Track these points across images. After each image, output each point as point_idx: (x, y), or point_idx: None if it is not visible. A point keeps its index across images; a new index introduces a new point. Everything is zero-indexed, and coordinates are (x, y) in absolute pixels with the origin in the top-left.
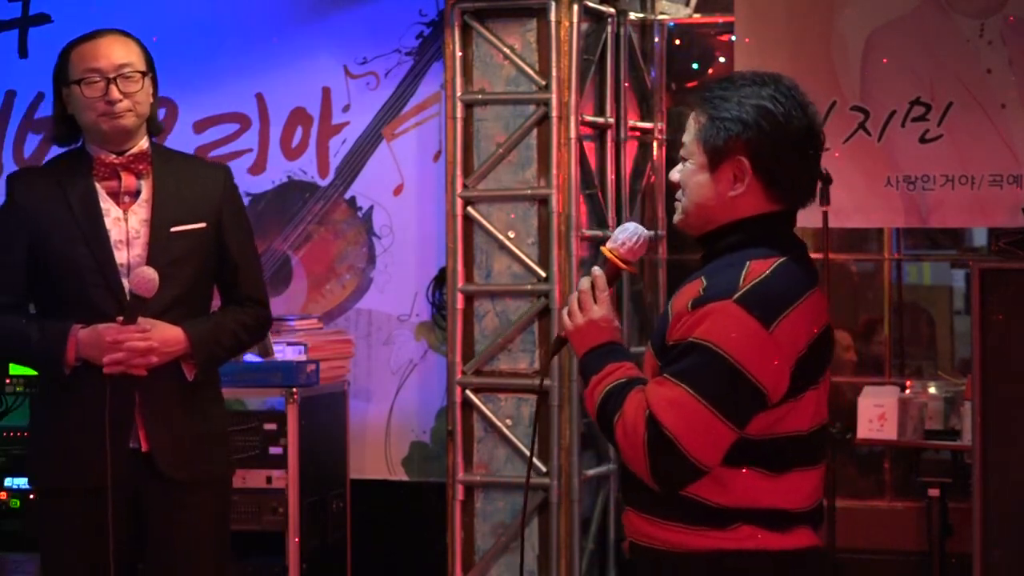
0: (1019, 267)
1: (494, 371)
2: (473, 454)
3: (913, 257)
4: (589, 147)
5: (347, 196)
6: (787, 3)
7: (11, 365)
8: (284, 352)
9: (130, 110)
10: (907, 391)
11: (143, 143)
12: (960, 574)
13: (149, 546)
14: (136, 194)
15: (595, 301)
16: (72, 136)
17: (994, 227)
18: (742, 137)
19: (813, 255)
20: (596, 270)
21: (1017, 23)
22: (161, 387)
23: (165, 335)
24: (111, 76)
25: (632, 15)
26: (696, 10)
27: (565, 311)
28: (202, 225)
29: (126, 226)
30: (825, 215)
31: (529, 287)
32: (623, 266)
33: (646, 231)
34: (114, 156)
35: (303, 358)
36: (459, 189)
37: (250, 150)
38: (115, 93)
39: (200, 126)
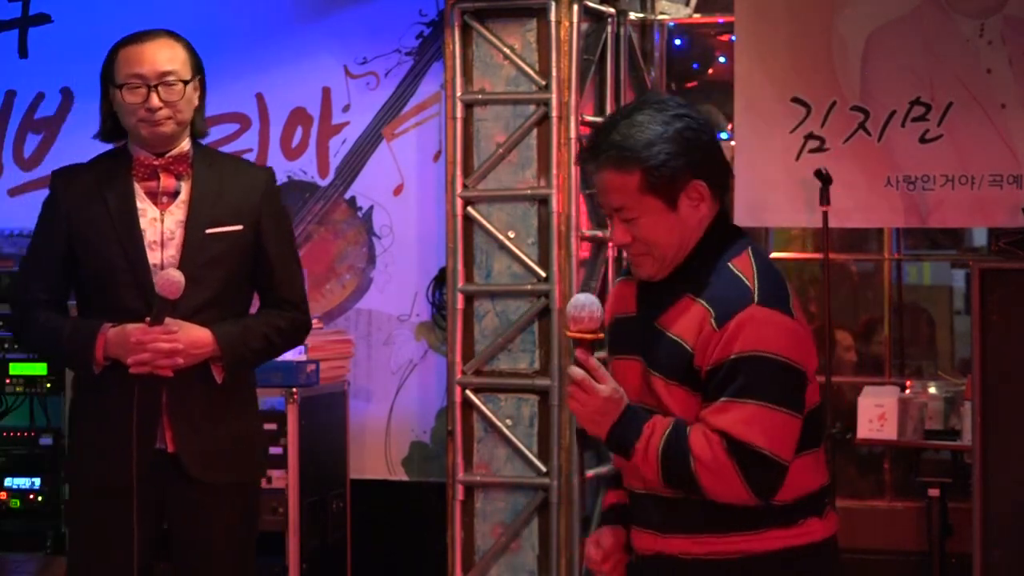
0: (1019, 267)
1: (494, 371)
2: (473, 454)
3: (913, 257)
4: None
5: (347, 196)
6: (787, 3)
7: (11, 365)
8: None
9: (170, 118)
10: (907, 391)
11: (185, 145)
12: (960, 574)
13: (174, 547)
14: (175, 195)
15: (596, 380)
16: (118, 133)
17: (994, 227)
18: (686, 164)
19: (813, 255)
20: (575, 370)
21: (1017, 23)
22: (189, 388)
23: (192, 337)
24: (153, 83)
25: (632, 15)
26: (696, 10)
27: (568, 401)
28: (238, 227)
29: (161, 227)
30: (825, 215)
31: (529, 287)
32: (594, 337)
33: (595, 299)
34: (154, 157)
35: (303, 358)
36: (459, 189)
37: (250, 150)
38: (155, 101)
39: None
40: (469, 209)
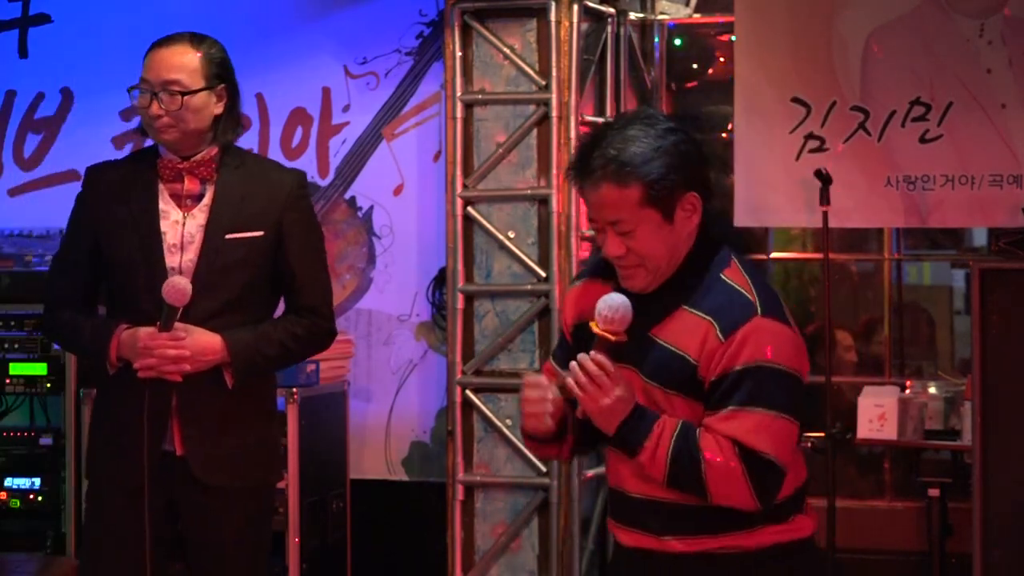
0: (1019, 267)
1: (494, 371)
2: (473, 454)
3: (913, 257)
4: None
5: (347, 196)
6: (787, 3)
7: (12, 365)
8: None
9: (172, 126)
10: (907, 391)
11: (211, 148)
12: (960, 574)
13: (186, 550)
14: (199, 198)
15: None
16: None
17: (994, 227)
18: (682, 178)
19: (813, 255)
20: (591, 365)
21: (1017, 23)
22: (200, 393)
23: (200, 343)
24: (156, 90)
25: (632, 15)
26: (696, 10)
27: (567, 387)
28: (259, 233)
29: (183, 230)
30: (825, 215)
31: (529, 287)
32: (617, 340)
33: (629, 304)
34: (179, 160)
35: None
36: (459, 189)
37: (250, 150)
38: (155, 108)
39: None
40: (469, 209)
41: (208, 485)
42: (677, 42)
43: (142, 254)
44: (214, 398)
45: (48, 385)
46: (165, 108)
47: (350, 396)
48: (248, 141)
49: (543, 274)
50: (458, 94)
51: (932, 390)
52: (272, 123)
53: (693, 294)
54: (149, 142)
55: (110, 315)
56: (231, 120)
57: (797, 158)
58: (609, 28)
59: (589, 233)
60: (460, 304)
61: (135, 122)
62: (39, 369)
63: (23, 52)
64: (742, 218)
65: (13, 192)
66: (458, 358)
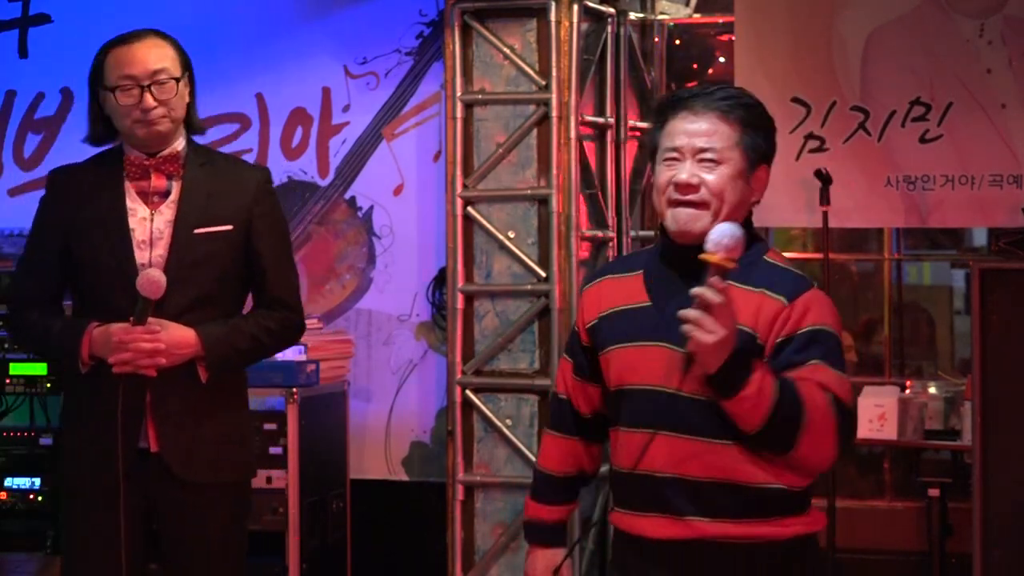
0: (1019, 267)
1: (494, 371)
2: (473, 454)
3: (913, 257)
4: (589, 147)
5: (347, 196)
6: (787, 3)
7: (12, 365)
8: (284, 352)
9: (165, 116)
10: (907, 391)
11: (178, 144)
12: (960, 574)
13: (163, 547)
14: (165, 195)
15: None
16: (109, 135)
17: (994, 227)
18: (769, 148)
19: (813, 255)
20: (712, 294)
21: (1017, 23)
22: (173, 388)
23: (175, 337)
24: (145, 83)
25: (632, 15)
26: (696, 10)
27: (696, 327)
28: (228, 227)
29: (151, 226)
30: (825, 215)
31: (529, 287)
32: (731, 266)
33: (738, 227)
34: (145, 157)
35: (303, 358)
36: (459, 189)
37: (250, 150)
38: (149, 101)
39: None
40: (469, 209)
41: (185, 481)
42: (677, 42)
43: (112, 252)
44: (188, 393)
45: (48, 385)
46: (159, 98)
47: (350, 396)
48: (248, 141)
49: (543, 274)
50: (458, 94)
51: (932, 390)
52: (272, 123)
53: (737, 273)
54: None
55: (79, 315)
56: (195, 111)
57: (797, 158)
58: (609, 28)
59: (589, 233)
60: (460, 304)
61: None
62: (39, 369)
63: (23, 52)
64: None
65: (13, 192)
66: (458, 358)
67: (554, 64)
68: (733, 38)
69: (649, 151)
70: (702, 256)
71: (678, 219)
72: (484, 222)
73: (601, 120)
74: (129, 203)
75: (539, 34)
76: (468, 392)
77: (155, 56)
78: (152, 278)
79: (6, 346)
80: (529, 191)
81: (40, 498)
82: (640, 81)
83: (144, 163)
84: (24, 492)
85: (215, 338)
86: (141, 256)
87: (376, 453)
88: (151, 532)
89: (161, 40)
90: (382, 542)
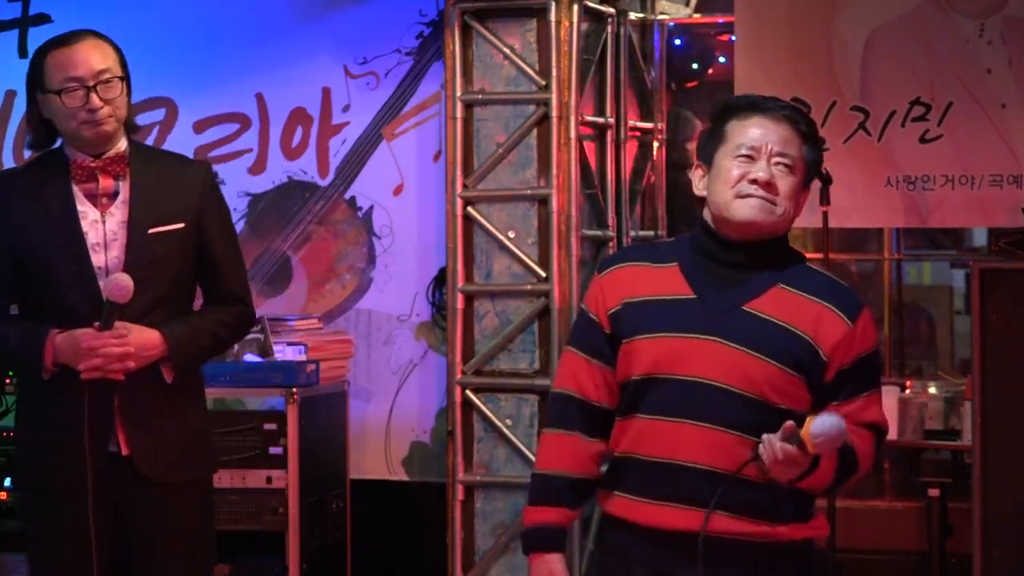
0: (1019, 267)
1: (494, 371)
2: (473, 454)
3: (913, 257)
4: (589, 147)
5: (347, 196)
6: (787, 3)
7: None
8: (284, 352)
9: (111, 116)
10: (907, 391)
11: (122, 144)
12: (960, 574)
13: (134, 549)
14: (114, 195)
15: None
16: (49, 139)
17: (994, 227)
18: (818, 160)
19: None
20: (789, 451)
21: (1017, 23)
22: (140, 390)
23: (142, 339)
24: (91, 84)
25: (632, 15)
26: (696, 10)
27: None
28: (180, 225)
29: (104, 228)
30: (825, 215)
31: (529, 287)
32: (809, 452)
33: (843, 426)
34: (91, 159)
35: (303, 358)
36: (459, 189)
37: (250, 150)
38: (96, 101)
39: (200, 126)
40: (469, 209)
41: (154, 482)
42: (677, 42)
43: (67, 256)
44: (154, 394)
45: None
46: (105, 98)
47: (350, 396)
48: (248, 141)
49: (543, 274)
50: (458, 94)
51: (932, 390)
52: (272, 123)
53: (787, 275)
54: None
55: (31, 320)
56: (131, 110)
57: None
58: (609, 28)
59: (589, 233)
60: (460, 304)
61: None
62: None
63: (23, 52)
64: None
65: None
66: (458, 358)
67: (554, 64)
68: (733, 38)
69: (704, 146)
70: (801, 436)
71: (750, 208)
72: (484, 222)
73: (601, 120)
74: (79, 206)
75: (539, 34)
76: (468, 392)
77: (98, 56)
78: (121, 283)
79: None
80: (529, 191)
81: None
82: (640, 81)
83: (90, 165)
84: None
85: (179, 338)
86: (97, 259)
87: (376, 453)
88: (119, 535)
89: (101, 40)
90: (382, 542)
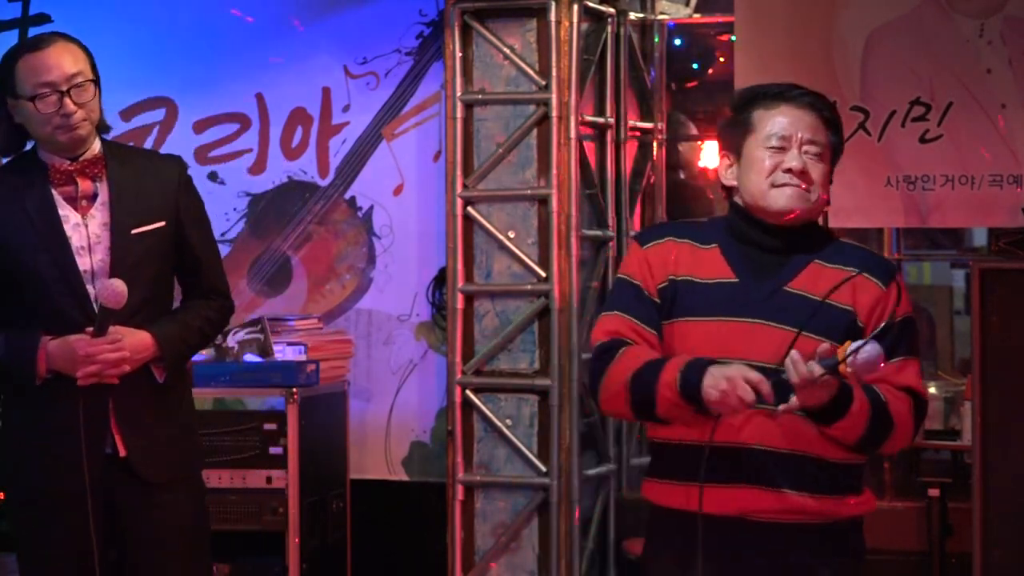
0: (1019, 267)
1: (494, 371)
2: (473, 454)
3: (913, 257)
4: (589, 147)
5: (347, 196)
6: (787, 3)
7: None
8: (284, 352)
9: (85, 119)
10: None
11: (96, 146)
12: (960, 574)
13: (128, 548)
14: (93, 198)
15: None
16: (20, 144)
17: (994, 227)
18: (839, 158)
19: None
20: (821, 375)
21: (1017, 23)
22: (134, 392)
23: (135, 342)
24: (64, 88)
25: (632, 15)
26: (696, 10)
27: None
28: (161, 224)
29: (87, 231)
30: (825, 215)
31: (529, 287)
32: (845, 373)
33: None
34: (68, 162)
35: (303, 358)
36: (459, 189)
37: (250, 150)
38: (70, 106)
39: (200, 126)
40: (469, 209)
41: (149, 481)
42: (677, 42)
43: (52, 261)
44: (147, 395)
45: None
46: (79, 102)
47: (350, 396)
48: (248, 141)
49: (543, 274)
50: (458, 94)
51: (932, 390)
52: (272, 123)
53: (820, 251)
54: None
55: (14, 325)
56: (102, 111)
57: None
58: (609, 28)
59: (589, 233)
60: (460, 304)
61: (135, 122)
62: None
63: None
64: None
65: None
66: (458, 358)
67: (554, 64)
68: (733, 38)
69: (729, 135)
70: (840, 364)
71: (787, 197)
72: (484, 222)
73: (601, 120)
74: (60, 210)
75: (539, 34)
76: (468, 392)
77: (70, 60)
78: (116, 289)
79: None
80: (529, 191)
81: None
82: (640, 81)
83: (67, 168)
84: None
85: (170, 338)
86: (83, 263)
87: (376, 453)
88: (115, 536)
89: (71, 44)
90: (382, 542)
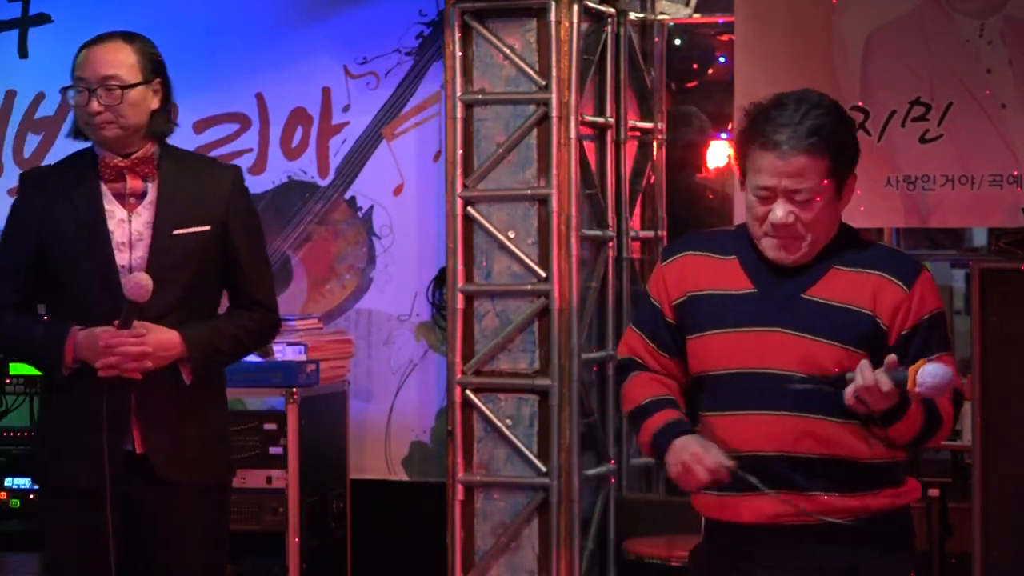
0: (1019, 267)
1: (494, 371)
2: (473, 454)
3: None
4: (589, 147)
5: (347, 196)
6: (787, 3)
7: (12, 365)
8: (284, 352)
9: (111, 122)
10: None
11: (149, 146)
12: (960, 574)
13: (145, 548)
14: (142, 196)
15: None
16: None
17: (994, 227)
18: (855, 157)
19: None
20: (889, 388)
21: (1017, 23)
22: (158, 390)
23: (160, 339)
24: (94, 87)
25: (632, 15)
26: (696, 10)
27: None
28: (206, 228)
29: (129, 228)
30: None
31: (529, 287)
32: (911, 394)
33: (949, 373)
34: (119, 158)
35: (303, 358)
36: (459, 189)
37: (250, 150)
38: (95, 106)
39: (200, 126)
40: (469, 209)
41: (168, 482)
42: (677, 42)
43: (91, 254)
44: (172, 395)
45: None
46: (104, 104)
47: (350, 396)
48: (248, 141)
49: (543, 274)
50: (458, 94)
51: None
52: (272, 123)
53: (841, 255)
54: (82, 145)
55: (57, 317)
56: (165, 115)
57: None
58: (609, 28)
59: (589, 233)
60: (460, 304)
61: None
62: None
63: (23, 52)
64: (742, 217)
65: (13, 192)
66: (458, 358)
67: (554, 64)
68: (733, 38)
69: (738, 158)
70: (908, 389)
71: (774, 249)
72: (484, 222)
73: (601, 120)
74: (106, 205)
75: (539, 34)
76: (468, 392)
77: (108, 61)
78: (140, 282)
79: None
80: (529, 191)
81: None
82: (640, 81)
83: (118, 165)
84: (24, 492)
85: (198, 340)
86: (121, 258)
87: (376, 453)
88: (132, 533)
89: (123, 45)
90: (382, 542)
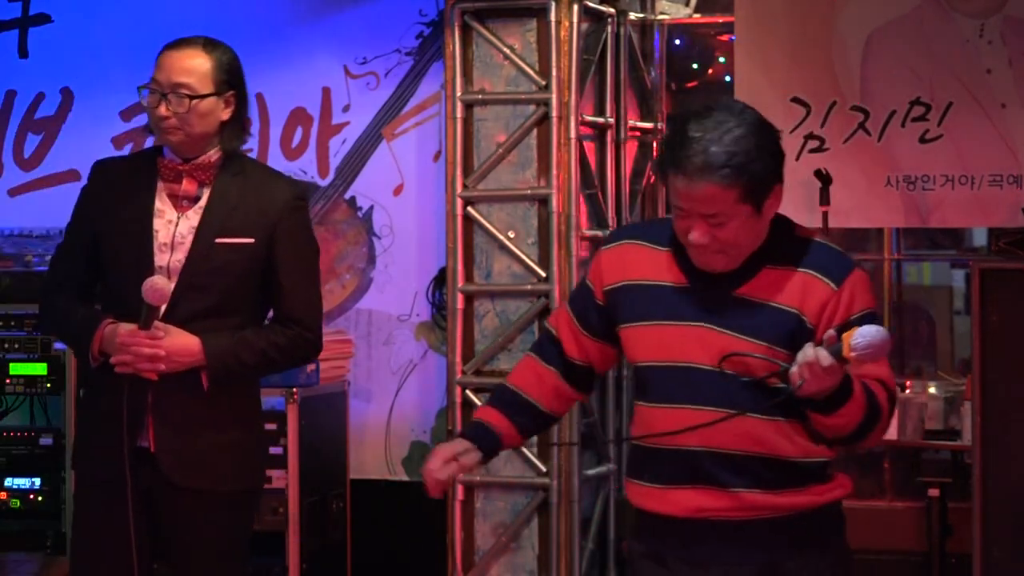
0: (1019, 267)
1: (494, 371)
2: None
3: (913, 257)
4: (589, 147)
5: (347, 196)
6: (787, 3)
7: (11, 365)
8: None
9: (178, 128)
10: (907, 391)
11: (213, 153)
12: (960, 574)
13: (164, 546)
14: (195, 200)
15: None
16: None
17: (994, 227)
18: (775, 172)
19: None
20: (828, 363)
21: (1017, 23)
22: (175, 392)
23: (177, 344)
24: (165, 92)
25: (632, 15)
26: (696, 10)
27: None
28: (249, 240)
29: (175, 230)
30: (825, 215)
31: (529, 287)
32: (846, 361)
33: (887, 336)
34: (180, 161)
35: None
36: (459, 189)
37: (250, 150)
38: (163, 110)
39: None
40: (469, 209)
41: (179, 485)
42: (677, 42)
43: (132, 251)
44: (189, 399)
45: (48, 385)
46: (172, 110)
47: (350, 396)
48: (248, 141)
49: (543, 274)
50: (458, 94)
51: (932, 390)
52: (272, 123)
53: (774, 253)
54: (151, 140)
55: (104, 309)
56: (237, 127)
57: (797, 158)
58: (609, 28)
59: (589, 233)
60: (460, 304)
61: (135, 122)
62: (39, 369)
63: (23, 52)
64: None
65: (13, 192)
66: (458, 358)
67: (554, 64)
68: (733, 38)
69: (658, 168)
70: (845, 355)
71: (700, 260)
72: (484, 222)
73: (601, 120)
74: (158, 204)
75: (539, 34)
76: (468, 392)
77: (181, 68)
78: (156, 286)
79: (6, 346)
80: (529, 191)
81: (40, 498)
82: (640, 81)
83: (177, 167)
84: (24, 492)
85: (219, 348)
86: (160, 259)
87: (376, 453)
88: (153, 530)
89: (201, 53)
90: (382, 542)
